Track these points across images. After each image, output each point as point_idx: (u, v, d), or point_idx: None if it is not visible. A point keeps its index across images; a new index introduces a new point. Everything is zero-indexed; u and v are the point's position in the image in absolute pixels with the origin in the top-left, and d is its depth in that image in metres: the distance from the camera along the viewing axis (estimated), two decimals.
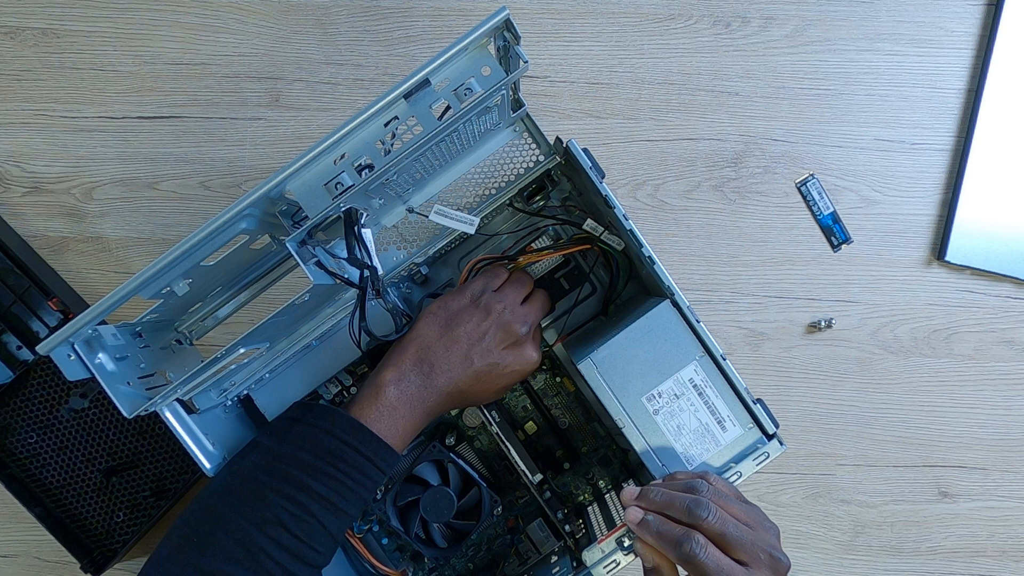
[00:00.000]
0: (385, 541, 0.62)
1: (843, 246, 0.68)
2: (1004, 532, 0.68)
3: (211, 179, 0.67)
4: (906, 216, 0.68)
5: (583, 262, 0.61)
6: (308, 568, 0.45)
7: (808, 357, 0.68)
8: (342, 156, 0.43)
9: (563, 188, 0.58)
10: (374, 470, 0.47)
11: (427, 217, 0.54)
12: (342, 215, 0.46)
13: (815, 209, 0.68)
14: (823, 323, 0.67)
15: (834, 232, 0.68)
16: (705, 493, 0.44)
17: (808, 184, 0.68)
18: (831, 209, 0.68)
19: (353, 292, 0.50)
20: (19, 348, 0.63)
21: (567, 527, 0.57)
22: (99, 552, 0.65)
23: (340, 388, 0.60)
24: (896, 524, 0.68)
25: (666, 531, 0.44)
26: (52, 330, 0.63)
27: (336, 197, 0.43)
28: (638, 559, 0.47)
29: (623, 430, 0.50)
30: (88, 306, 0.66)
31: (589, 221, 0.57)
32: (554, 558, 0.57)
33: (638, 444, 0.50)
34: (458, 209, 0.54)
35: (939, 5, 0.68)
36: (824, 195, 0.68)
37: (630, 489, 0.47)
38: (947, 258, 0.67)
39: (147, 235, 0.68)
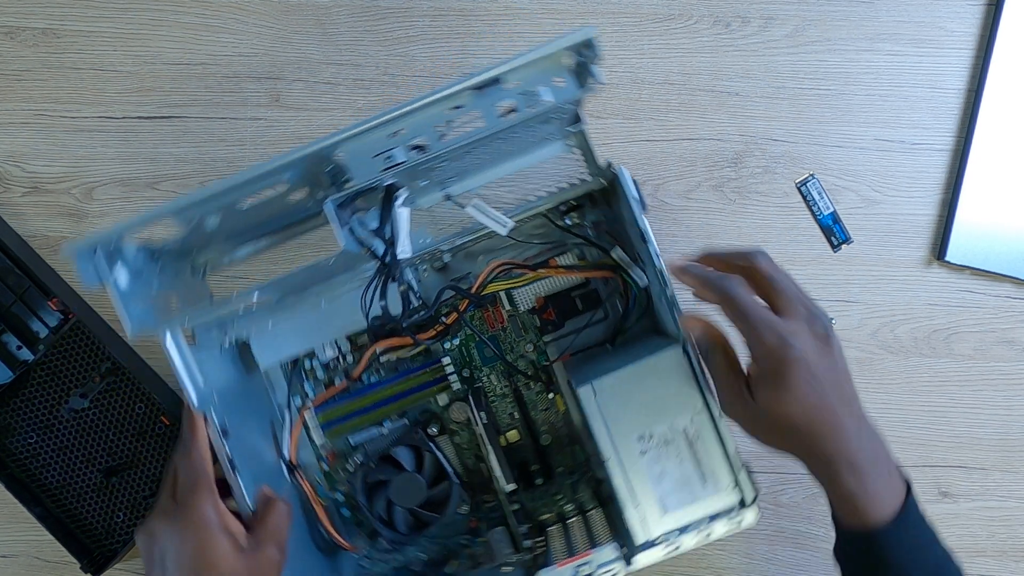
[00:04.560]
0: (346, 513, 0.62)
1: (843, 246, 0.68)
2: (1004, 532, 0.68)
3: (211, 179, 0.67)
4: (906, 216, 0.68)
5: (601, 287, 0.61)
6: None
7: None
8: (399, 131, 0.44)
9: (599, 210, 0.58)
10: None
11: (463, 208, 0.54)
12: (384, 188, 0.46)
13: (815, 209, 0.68)
14: None
15: (834, 232, 0.68)
16: (760, 253, 0.47)
17: (808, 184, 0.68)
18: (831, 209, 0.68)
19: (372, 264, 0.51)
20: (19, 348, 0.63)
21: (527, 542, 0.57)
22: (99, 552, 0.65)
23: (337, 354, 0.60)
24: None
25: (707, 273, 0.47)
26: (52, 330, 0.63)
27: (385, 170, 0.43)
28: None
29: (606, 462, 0.50)
30: (89, 306, 0.66)
31: (617, 250, 0.57)
32: (507, 569, 0.57)
33: (617, 479, 0.49)
34: (495, 207, 0.54)
35: (939, 5, 0.68)
36: (824, 195, 0.68)
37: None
38: (947, 258, 0.67)
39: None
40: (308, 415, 0.61)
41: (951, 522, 0.68)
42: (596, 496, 0.61)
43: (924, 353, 0.68)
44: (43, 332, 0.64)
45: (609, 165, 0.52)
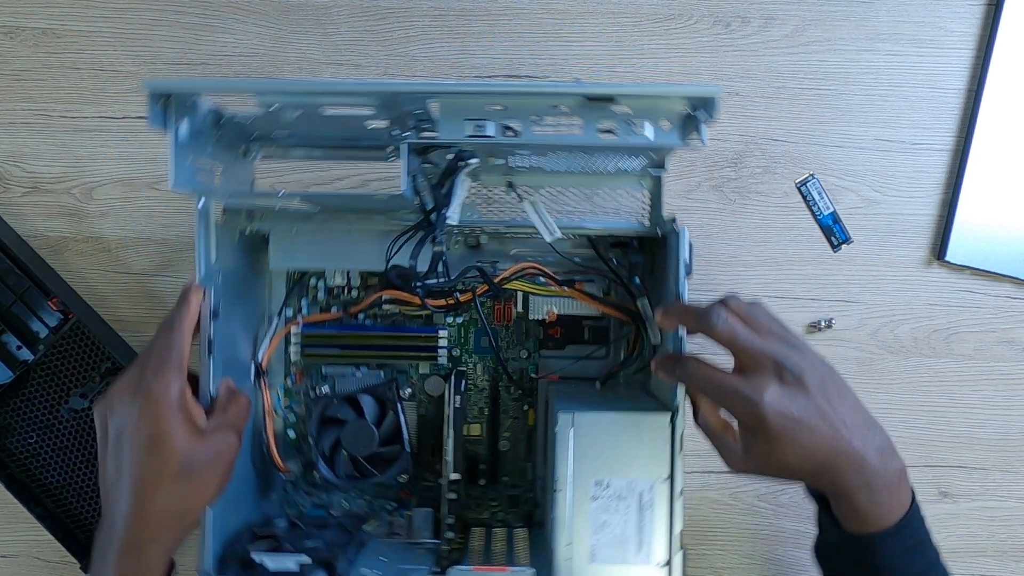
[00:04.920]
0: (291, 435, 0.63)
1: (843, 246, 0.68)
2: (1004, 532, 0.68)
3: None
4: (906, 216, 0.68)
5: (614, 327, 0.61)
6: None
7: None
8: (500, 107, 0.44)
9: (643, 255, 0.59)
10: None
11: (520, 200, 0.54)
12: (459, 152, 0.48)
13: (815, 209, 0.68)
14: (823, 323, 0.67)
15: (834, 232, 0.68)
16: (720, 306, 0.46)
17: (808, 184, 0.68)
18: (831, 209, 0.68)
19: (413, 216, 0.52)
20: (19, 348, 0.63)
21: (449, 533, 0.57)
22: None
23: (345, 284, 0.62)
24: None
25: (669, 355, 0.49)
26: (52, 330, 0.63)
27: (472, 136, 0.44)
28: None
29: (556, 492, 0.49)
30: (89, 306, 0.66)
31: (644, 300, 0.57)
32: (420, 551, 0.57)
33: (561, 511, 0.49)
34: (548, 212, 0.55)
35: (939, 5, 0.68)
36: (824, 195, 0.68)
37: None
38: (947, 258, 0.67)
39: (147, 235, 0.68)
40: (294, 329, 0.61)
41: (951, 522, 0.68)
42: (527, 518, 0.62)
43: (924, 353, 0.68)
44: (43, 332, 0.64)
45: (674, 220, 0.53)
